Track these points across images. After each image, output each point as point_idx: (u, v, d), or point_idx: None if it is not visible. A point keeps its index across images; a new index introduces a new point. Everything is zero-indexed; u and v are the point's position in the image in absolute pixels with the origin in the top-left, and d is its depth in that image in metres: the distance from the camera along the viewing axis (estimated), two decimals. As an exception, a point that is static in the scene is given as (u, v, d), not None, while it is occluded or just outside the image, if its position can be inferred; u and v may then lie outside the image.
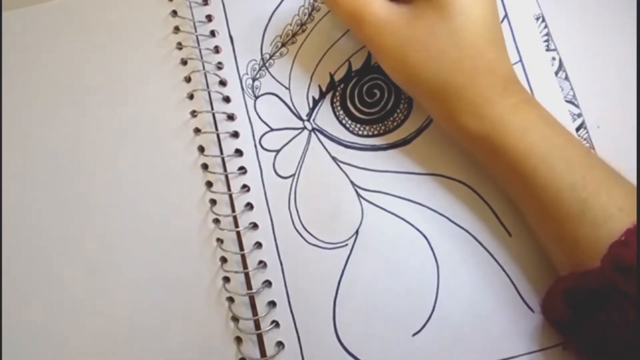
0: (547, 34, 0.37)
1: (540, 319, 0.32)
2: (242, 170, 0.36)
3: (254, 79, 0.37)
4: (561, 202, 0.28)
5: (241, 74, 0.38)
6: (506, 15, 0.37)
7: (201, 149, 0.37)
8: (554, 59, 0.36)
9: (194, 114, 0.37)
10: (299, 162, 0.36)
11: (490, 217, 0.34)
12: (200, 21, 0.39)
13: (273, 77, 0.37)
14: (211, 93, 0.37)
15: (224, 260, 0.35)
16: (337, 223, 0.35)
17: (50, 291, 0.35)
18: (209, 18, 0.39)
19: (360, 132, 0.36)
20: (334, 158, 0.36)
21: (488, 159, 0.32)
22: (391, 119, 0.36)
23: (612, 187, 0.28)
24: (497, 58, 0.30)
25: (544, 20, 0.37)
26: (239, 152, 0.36)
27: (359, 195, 0.35)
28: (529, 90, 0.36)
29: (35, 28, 0.40)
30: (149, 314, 0.35)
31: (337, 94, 0.37)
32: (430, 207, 0.35)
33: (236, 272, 0.34)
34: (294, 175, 0.36)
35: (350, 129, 0.36)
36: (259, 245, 0.35)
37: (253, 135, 0.37)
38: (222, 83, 0.37)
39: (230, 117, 0.37)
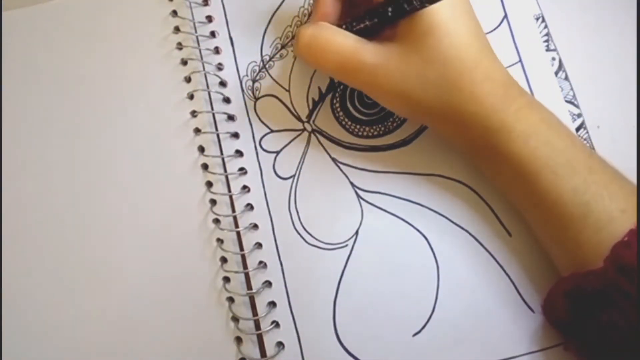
0: (547, 34, 0.37)
1: (541, 319, 0.33)
2: (243, 171, 0.36)
3: (254, 81, 0.37)
4: (563, 206, 0.28)
5: (241, 76, 0.37)
6: (506, 15, 0.37)
7: (201, 149, 0.37)
8: (553, 59, 0.36)
9: (194, 114, 0.37)
10: (299, 163, 0.36)
11: (490, 217, 0.34)
12: (200, 22, 0.38)
13: (273, 78, 0.37)
14: (211, 93, 0.37)
15: (224, 260, 0.35)
16: (337, 224, 0.35)
17: (50, 291, 0.35)
18: (209, 19, 0.38)
19: (360, 133, 0.36)
20: (333, 159, 0.36)
21: (491, 166, 0.32)
22: (391, 119, 0.36)
23: (614, 189, 0.28)
24: (491, 65, 0.30)
25: (543, 20, 0.37)
26: (239, 153, 0.36)
27: (358, 196, 0.35)
28: (529, 91, 0.36)
29: (35, 28, 0.40)
30: (149, 314, 0.35)
31: (337, 95, 0.37)
32: (430, 207, 0.35)
33: (236, 272, 0.35)
34: (294, 176, 0.36)
35: (350, 129, 0.36)
36: (259, 245, 0.35)
37: (253, 137, 0.37)
38: (223, 84, 0.37)
39: (231, 118, 0.37)
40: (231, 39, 0.38)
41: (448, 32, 0.29)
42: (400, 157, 0.35)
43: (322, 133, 0.36)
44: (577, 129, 0.35)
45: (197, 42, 0.38)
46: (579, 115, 0.36)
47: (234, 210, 0.36)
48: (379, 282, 0.34)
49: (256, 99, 0.37)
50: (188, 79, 0.38)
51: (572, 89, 0.36)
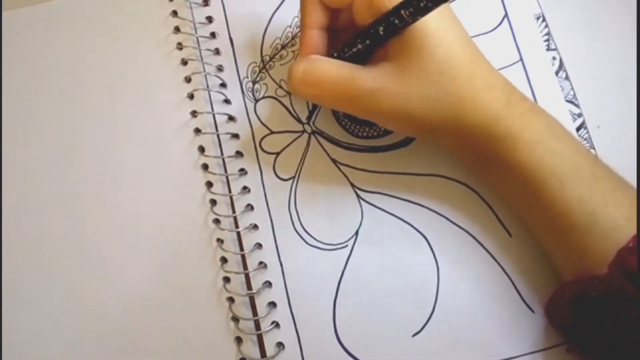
0: (548, 34, 0.37)
1: (541, 320, 0.33)
2: (243, 171, 0.36)
3: (254, 82, 0.37)
4: (569, 214, 0.28)
5: (241, 77, 0.37)
6: (506, 15, 0.37)
7: (201, 149, 0.37)
8: (554, 58, 0.36)
9: (194, 114, 0.37)
10: (299, 165, 0.36)
11: (490, 217, 0.34)
12: (200, 22, 0.38)
13: (273, 79, 0.37)
14: (211, 94, 0.37)
15: (224, 260, 0.35)
16: (337, 224, 0.35)
17: (50, 291, 0.35)
18: (210, 19, 0.38)
19: (359, 134, 0.36)
20: (333, 160, 0.36)
21: (497, 176, 0.32)
22: (391, 120, 0.36)
23: (619, 197, 0.28)
24: (489, 72, 0.30)
25: (544, 19, 0.37)
26: (239, 154, 0.36)
27: (358, 196, 0.35)
28: (529, 90, 0.36)
29: (35, 28, 0.40)
30: (149, 314, 0.35)
31: (337, 95, 0.36)
32: (430, 207, 0.35)
33: (236, 272, 0.35)
34: (294, 177, 0.36)
35: (350, 130, 0.36)
36: (259, 246, 0.35)
37: (253, 138, 0.37)
38: (223, 85, 0.37)
39: (231, 119, 0.37)
40: (231, 40, 0.38)
41: (440, 43, 0.28)
42: (400, 158, 0.35)
43: (322, 134, 0.36)
44: (578, 129, 0.35)
45: (197, 43, 0.38)
46: (580, 115, 0.35)
47: (234, 211, 0.36)
48: (379, 282, 0.34)
49: (256, 100, 0.37)
50: (188, 79, 0.38)
51: (572, 88, 0.36)
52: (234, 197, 0.36)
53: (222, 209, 0.36)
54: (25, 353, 0.35)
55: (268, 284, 0.35)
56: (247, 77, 0.37)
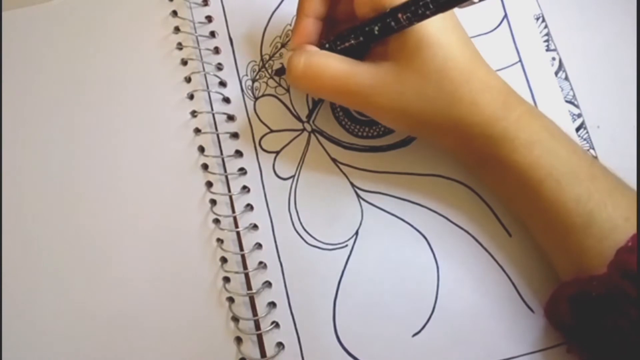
0: (547, 34, 0.37)
1: (540, 320, 0.33)
2: (242, 171, 0.36)
3: (253, 80, 0.37)
4: (567, 215, 0.28)
5: (241, 75, 0.37)
6: (506, 15, 0.37)
7: (201, 149, 0.37)
8: (554, 59, 0.36)
9: (194, 114, 0.37)
10: (299, 164, 0.36)
11: (490, 217, 0.34)
12: (200, 22, 0.38)
13: (273, 78, 0.37)
14: (211, 93, 0.37)
15: (224, 260, 0.35)
16: (336, 224, 0.35)
17: (50, 292, 0.35)
18: (209, 19, 0.38)
19: (359, 133, 0.36)
20: (333, 159, 0.36)
21: (494, 176, 0.32)
22: (391, 119, 0.36)
23: (617, 197, 0.28)
24: (487, 73, 0.30)
25: (544, 20, 0.37)
26: (239, 153, 0.36)
27: (358, 196, 0.35)
28: (529, 91, 0.36)
29: (35, 28, 0.40)
30: (149, 314, 0.35)
31: (337, 95, 0.37)
32: (429, 207, 0.35)
33: (236, 272, 0.35)
34: (293, 176, 0.36)
35: (350, 130, 0.36)
36: (259, 246, 0.35)
37: (253, 137, 0.37)
38: (222, 84, 0.37)
39: (231, 118, 0.37)
40: (231, 39, 0.38)
41: (441, 44, 0.28)
42: (400, 158, 0.35)
43: (322, 133, 0.36)
44: (577, 129, 0.35)
45: (197, 42, 0.38)
46: (579, 115, 0.35)
47: (233, 211, 0.36)
48: (379, 282, 0.34)
49: (256, 98, 0.37)
50: (188, 79, 0.38)
51: (572, 89, 0.36)
52: (233, 197, 0.36)
53: (222, 208, 0.36)
54: (25, 353, 0.35)
55: (268, 284, 0.34)
56: (247, 75, 0.37)
